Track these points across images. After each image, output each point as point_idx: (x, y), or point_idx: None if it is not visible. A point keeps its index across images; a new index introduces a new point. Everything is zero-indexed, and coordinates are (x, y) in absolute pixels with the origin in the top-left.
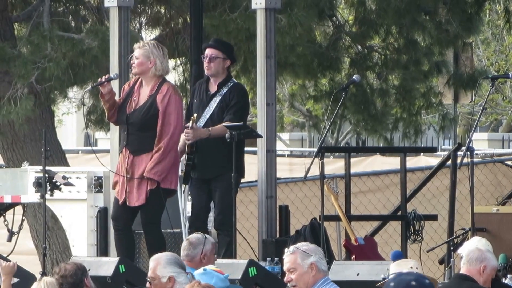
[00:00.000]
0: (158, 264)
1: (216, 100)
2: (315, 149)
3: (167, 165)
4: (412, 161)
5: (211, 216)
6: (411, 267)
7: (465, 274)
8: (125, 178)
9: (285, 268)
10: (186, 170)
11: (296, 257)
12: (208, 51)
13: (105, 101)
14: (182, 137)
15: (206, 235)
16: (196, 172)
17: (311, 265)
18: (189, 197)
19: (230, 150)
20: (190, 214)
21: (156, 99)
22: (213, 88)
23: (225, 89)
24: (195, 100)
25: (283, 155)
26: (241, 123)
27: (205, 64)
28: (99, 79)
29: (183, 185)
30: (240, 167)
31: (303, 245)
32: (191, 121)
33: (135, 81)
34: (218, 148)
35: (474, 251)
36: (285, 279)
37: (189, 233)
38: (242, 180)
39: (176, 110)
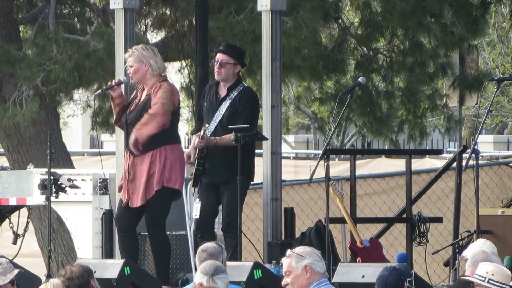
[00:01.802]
0: None
1: (226, 104)
2: (320, 151)
3: (153, 129)
4: (418, 163)
5: (217, 218)
6: (487, 272)
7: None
8: (127, 179)
9: (283, 272)
10: (196, 174)
11: (291, 260)
12: (219, 56)
13: (115, 105)
14: (193, 140)
15: (219, 242)
16: (206, 177)
17: (305, 267)
18: (197, 199)
19: (240, 154)
20: (197, 217)
21: (151, 97)
22: (223, 91)
23: (234, 93)
24: (205, 103)
25: (288, 157)
26: (246, 125)
27: (216, 69)
28: (108, 83)
29: (189, 188)
30: (249, 170)
31: (299, 248)
32: (202, 130)
33: (141, 88)
34: (228, 153)
35: (479, 254)
36: (282, 283)
37: (195, 235)
38: None
39: (163, 94)
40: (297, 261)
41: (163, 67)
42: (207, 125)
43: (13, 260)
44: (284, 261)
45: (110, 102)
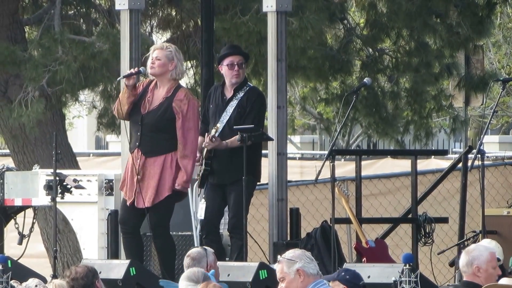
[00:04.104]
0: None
1: (233, 105)
2: (326, 152)
3: (192, 172)
4: (423, 164)
5: (223, 219)
6: None
7: (467, 280)
8: (135, 178)
9: (277, 278)
10: (203, 174)
11: (283, 266)
12: (234, 59)
13: (130, 94)
14: (199, 141)
15: (205, 247)
16: (214, 177)
17: (297, 271)
18: (203, 199)
19: (248, 155)
20: (201, 217)
21: (172, 104)
22: (229, 92)
23: (241, 94)
24: (211, 106)
25: (294, 158)
26: (251, 125)
27: (234, 72)
28: (127, 71)
29: (195, 188)
30: (256, 170)
31: (289, 253)
32: (214, 130)
33: (148, 82)
34: (236, 153)
35: (462, 258)
36: None
37: (200, 236)
38: None
39: (194, 115)
40: (288, 266)
41: (184, 75)
42: (218, 125)
43: (19, 261)
44: (276, 267)
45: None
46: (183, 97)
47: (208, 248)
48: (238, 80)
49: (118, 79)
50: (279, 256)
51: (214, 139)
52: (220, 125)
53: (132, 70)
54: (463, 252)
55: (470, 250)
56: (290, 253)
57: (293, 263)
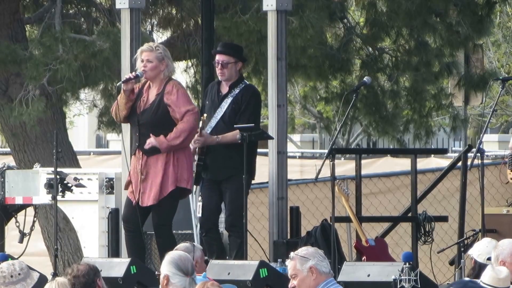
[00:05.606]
0: (164, 261)
1: (227, 101)
2: (326, 151)
3: (187, 137)
4: (423, 163)
5: (222, 217)
6: None
7: None
8: (139, 179)
9: (289, 275)
10: (197, 171)
11: (296, 263)
12: (219, 58)
13: (128, 100)
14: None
15: (194, 243)
16: (208, 173)
17: (310, 268)
18: (200, 197)
19: (242, 151)
20: (200, 215)
21: (163, 98)
22: (224, 89)
23: (236, 90)
24: (207, 102)
25: (294, 157)
26: (252, 124)
27: (218, 71)
28: (125, 76)
29: (194, 186)
30: (251, 168)
31: (302, 250)
32: (201, 122)
33: (143, 84)
34: (230, 150)
35: (492, 254)
36: (289, 285)
37: (200, 234)
38: (254, 182)
39: (185, 101)
40: (301, 263)
41: (174, 71)
42: (205, 115)
43: (19, 259)
44: (289, 264)
45: (117, 98)
46: (171, 88)
47: (197, 244)
48: (222, 78)
49: (116, 84)
50: (292, 253)
51: (201, 132)
52: (213, 121)
53: (131, 75)
54: (493, 248)
55: (496, 246)
56: (304, 251)
57: (306, 261)
